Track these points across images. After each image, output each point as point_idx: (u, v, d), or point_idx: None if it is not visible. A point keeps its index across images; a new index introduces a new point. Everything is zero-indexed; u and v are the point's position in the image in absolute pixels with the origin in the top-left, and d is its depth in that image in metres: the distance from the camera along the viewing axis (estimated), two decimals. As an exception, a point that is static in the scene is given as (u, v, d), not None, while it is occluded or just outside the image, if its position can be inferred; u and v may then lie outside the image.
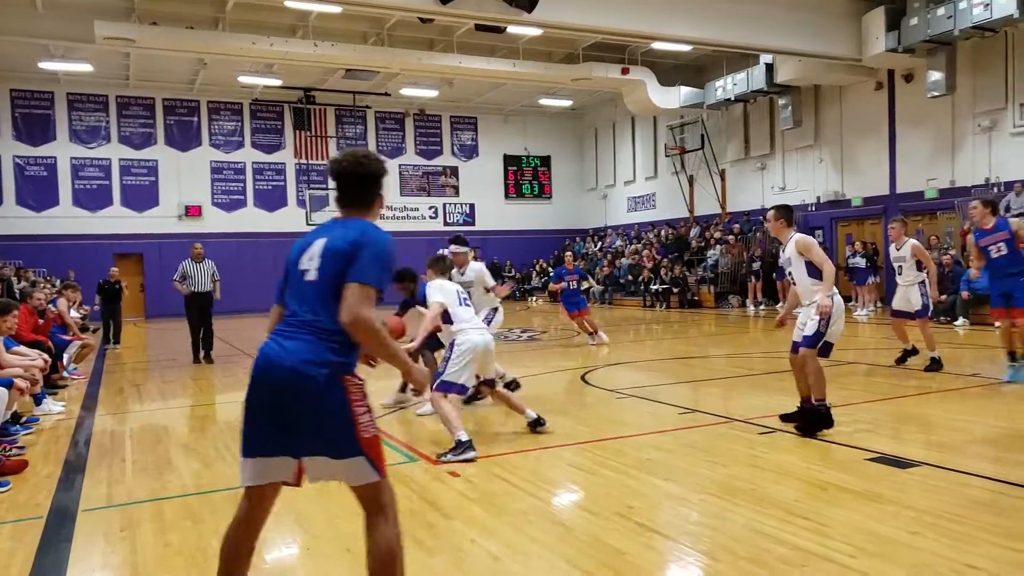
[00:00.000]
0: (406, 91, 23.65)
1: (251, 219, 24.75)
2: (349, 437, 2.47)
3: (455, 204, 28.04)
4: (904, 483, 4.36)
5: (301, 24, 17.85)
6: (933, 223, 16.87)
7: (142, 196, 23.68)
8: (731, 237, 20.65)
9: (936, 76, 15.92)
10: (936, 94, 16.03)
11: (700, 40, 16.06)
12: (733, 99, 20.61)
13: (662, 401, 7.08)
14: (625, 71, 20.45)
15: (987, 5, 14.05)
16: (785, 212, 6.00)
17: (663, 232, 24.11)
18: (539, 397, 8.26)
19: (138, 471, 5.29)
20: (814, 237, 19.91)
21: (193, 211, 24.04)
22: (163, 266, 21.87)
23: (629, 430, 6.06)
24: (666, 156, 24.63)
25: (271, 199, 25.27)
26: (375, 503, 2.56)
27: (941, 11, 14.85)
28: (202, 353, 11.47)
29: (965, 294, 13.18)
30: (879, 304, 16.82)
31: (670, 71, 21.75)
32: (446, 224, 27.63)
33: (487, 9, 13.84)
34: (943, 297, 8.39)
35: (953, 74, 15.86)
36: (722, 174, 23.14)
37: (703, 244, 21.94)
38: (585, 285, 13.43)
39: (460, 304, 5.67)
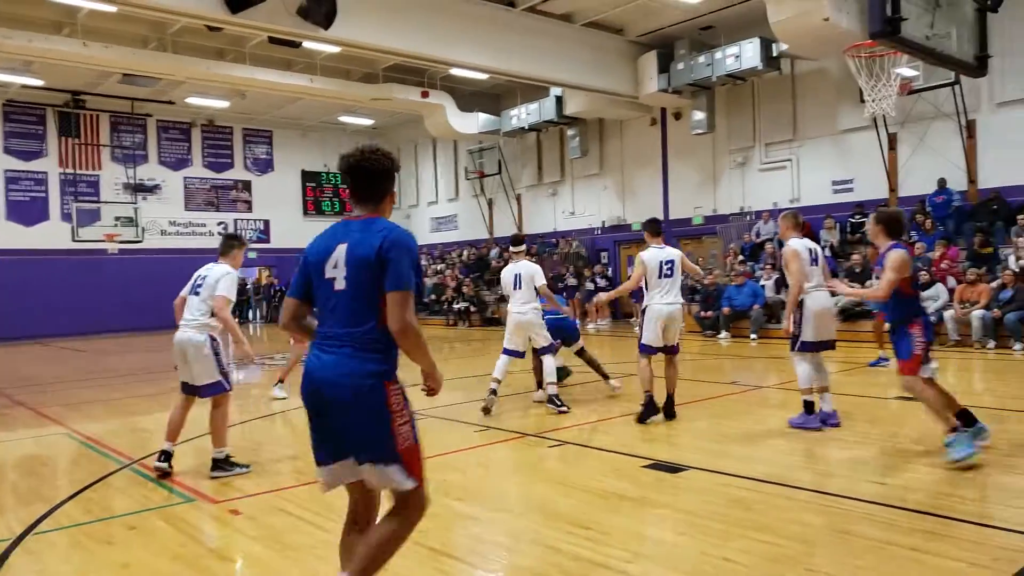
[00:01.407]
0: (193, 100, 22.09)
1: (4, 234, 21.69)
2: (390, 445, 2.61)
3: (248, 220, 26.58)
4: (675, 487, 4.78)
5: (68, 21, 16.03)
6: (700, 246, 18.82)
7: None
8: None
9: (699, 116, 17.89)
10: (699, 132, 17.99)
11: (493, 69, 16.67)
12: (527, 128, 21.63)
13: (459, 420, 7.18)
14: (424, 94, 20.70)
15: (737, 57, 16.08)
16: (647, 225, 6.85)
17: (465, 252, 24.59)
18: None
19: None
20: (599, 260, 20.86)
21: (-75, 225, 20.59)
22: None
23: (426, 452, 6.06)
24: (467, 179, 25.24)
25: (30, 212, 22.30)
26: (402, 506, 2.71)
27: (702, 59, 16.74)
28: None
29: (727, 310, 14.82)
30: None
31: (468, 97, 22.35)
32: (238, 243, 26.11)
33: (281, 22, 13.33)
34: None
35: (713, 115, 17.92)
36: (518, 198, 24.13)
37: (502, 264, 22.65)
38: None
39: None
